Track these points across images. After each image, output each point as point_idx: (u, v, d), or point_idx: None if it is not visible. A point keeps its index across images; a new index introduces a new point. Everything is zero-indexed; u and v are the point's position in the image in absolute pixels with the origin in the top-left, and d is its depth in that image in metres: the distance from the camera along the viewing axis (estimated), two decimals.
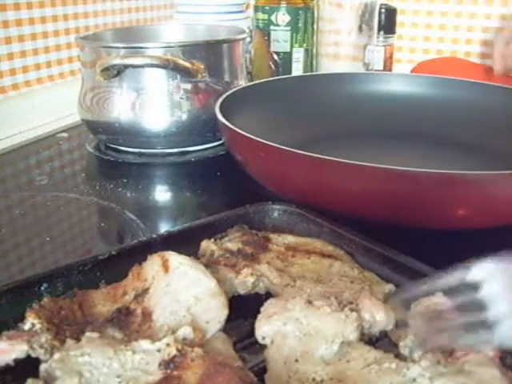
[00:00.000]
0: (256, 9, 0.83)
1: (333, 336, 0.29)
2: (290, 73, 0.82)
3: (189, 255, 0.34)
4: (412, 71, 0.86)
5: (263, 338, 0.30)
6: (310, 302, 0.30)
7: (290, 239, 0.39)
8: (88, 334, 0.28)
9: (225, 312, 0.31)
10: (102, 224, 0.51)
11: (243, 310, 0.33)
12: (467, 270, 0.28)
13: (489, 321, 0.26)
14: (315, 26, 0.82)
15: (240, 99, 0.59)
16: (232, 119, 0.50)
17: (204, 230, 0.39)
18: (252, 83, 0.67)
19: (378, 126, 0.65)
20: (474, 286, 0.28)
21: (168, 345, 0.27)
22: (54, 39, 0.84)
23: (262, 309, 0.31)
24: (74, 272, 0.34)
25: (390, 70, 0.91)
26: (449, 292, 0.29)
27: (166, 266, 0.33)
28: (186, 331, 0.28)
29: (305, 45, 0.82)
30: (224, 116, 0.50)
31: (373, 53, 0.79)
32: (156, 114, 0.61)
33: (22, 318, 0.30)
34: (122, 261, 0.35)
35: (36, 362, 0.27)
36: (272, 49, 0.82)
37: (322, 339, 0.29)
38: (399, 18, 0.92)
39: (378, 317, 0.30)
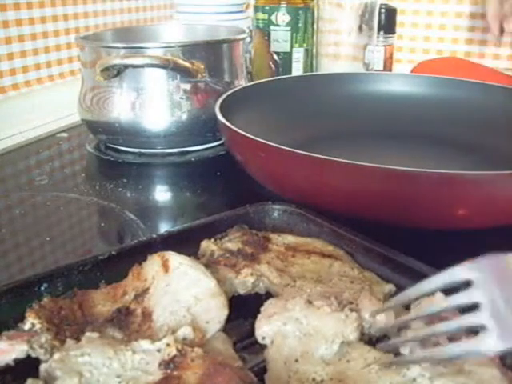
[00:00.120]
0: (256, 9, 0.83)
1: (333, 336, 0.29)
2: (290, 73, 0.82)
3: (189, 255, 0.34)
4: (412, 71, 0.86)
5: (263, 338, 0.30)
6: (309, 302, 0.30)
7: (289, 239, 0.39)
8: (88, 333, 0.28)
9: (225, 312, 0.31)
10: (102, 224, 0.51)
11: (243, 309, 0.33)
12: (455, 271, 0.26)
13: (475, 326, 0.25)
14: (315, 26, 0.82)
15: (240, 99, 0.59)
16: (232, 119, 0.50)
17: (204, 230, 0.39)
18: (252, 83, 0.67)
19: (378, 125, 0.65)
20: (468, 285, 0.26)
21: (168, 345, 0.27)
22: (54, 39, 0.84)
23: (262, 309, 0.31)
24: (73, 272, 0.34)
25: (390, 70, 0.91)
26: (445, 292, 0.28)
27: (165, 266, 0.33)
28: (186, 331, 0.28)
29: (305, 45, 0.82)
30: (224, 116, 0.50)
31: (373, 53, 0.79)
32: (156, 114, 0.61)
33: (22, 318, 0.30)
34: (121, 261, 0.35)
35: (36, 362, 0.27)
36: (272, 49, 0.82)
37: (322, 339, 0.29)
38: (399, 18, 0.92)
39: (378, 317, 0.30)
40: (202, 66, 0.61)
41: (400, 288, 0.34)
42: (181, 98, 0.61)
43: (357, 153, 0.43)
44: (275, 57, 0.82)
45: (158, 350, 0.27)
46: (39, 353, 0.28)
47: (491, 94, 0.64)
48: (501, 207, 0.41)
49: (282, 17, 0.80)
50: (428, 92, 0.67)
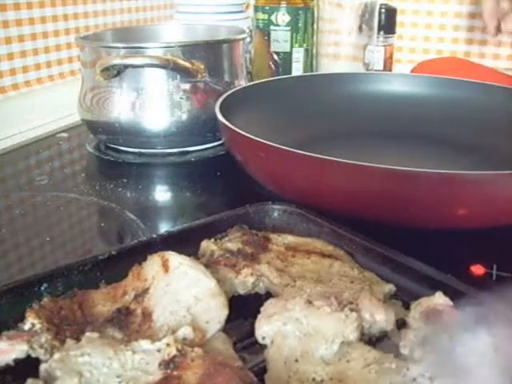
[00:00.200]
0: (256, 9, 0.83)
1: (333, 336, 0.29)
2: (290, 73, 0.82)
3: (189, 255, 0.34)
4: (412, 71, 0.86)
5: (263, 338, 0.30)
6: (310, 302, 0.30)
7: (290, 239, 0.39)
8: (88, 333, 0.28)
9: (225, 312, 0.31)
10: (102, 224, 0.51)
11: (243, 309, 0.33)
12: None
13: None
14: (315, 26, 0.82)
15: (240, 99, 0.59)
16: (232, 119, 0.50)
17: (204, 230, 0.39)
18: (252, 83, 0.67)
19: (378, 125, 0.65)
20: None
21: (168, 345, 0.27)
22: (54, 39, 0.84)
23: (262, 309, 0.31)
24: (74, 272, 0.34)
25: (390, 70, 0.91)
26: None
27: (166, 266, 0.33)
28: (186, 331, 0.28)
29: (305, 45, 0.82)
30: (224, 116, 0.50)
31: (373, 53, 0.79)
32: (156, 114, 0.61)
33: (22, 318, 0.30)
34: (122, 261, 0.35)
35: (36, 361, 0.27)
36: (272, 49, 0.82)
37: (322, 339, 0.29)
38: (399, 18, 0.92)
39: (378, 317, 0.30)
40: (202, 66, 0.61)
41: (400, 288, 0.34)
42: (181, 98, 0.61)
43: (357, 153, 0.43)
44: (275, 57, 0.82)
45: (158, 350, 0.27)
46: (39, 353, 0.28)
47: (491, 94, 0.64)
48: (501, 207, 0.41)
49: (282, 17, 0.80)
50: (428, 92, 0.67)
